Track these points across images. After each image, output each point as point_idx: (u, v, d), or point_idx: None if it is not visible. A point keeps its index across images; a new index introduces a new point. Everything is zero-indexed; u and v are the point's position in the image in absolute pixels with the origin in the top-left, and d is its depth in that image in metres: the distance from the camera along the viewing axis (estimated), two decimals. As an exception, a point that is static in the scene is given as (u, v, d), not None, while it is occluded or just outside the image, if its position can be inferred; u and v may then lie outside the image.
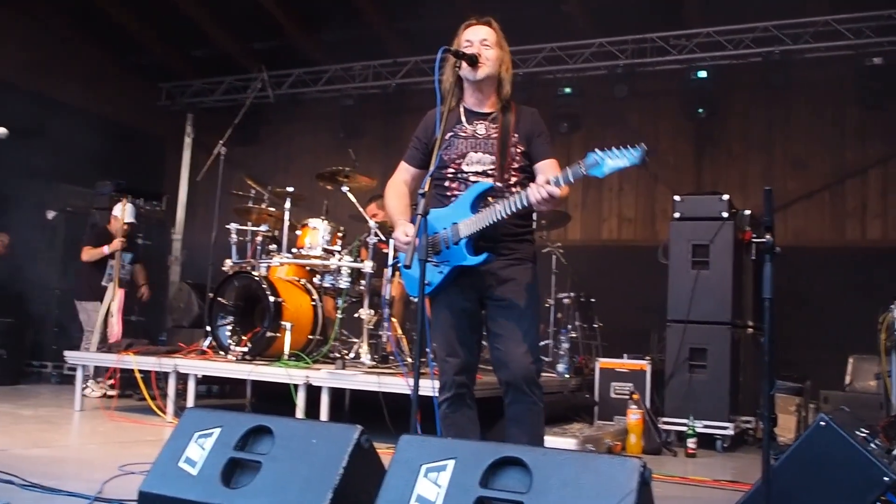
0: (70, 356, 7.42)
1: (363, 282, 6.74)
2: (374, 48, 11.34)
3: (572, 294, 8.51)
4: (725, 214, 6.74)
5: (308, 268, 7.11)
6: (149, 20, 11.75)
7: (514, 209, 3.46)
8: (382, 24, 11.16)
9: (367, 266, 6.60)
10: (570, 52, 10.22)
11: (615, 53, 9.97)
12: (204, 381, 7.67)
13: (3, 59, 10.55)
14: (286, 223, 7.21)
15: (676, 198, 7.05)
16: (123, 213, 8.12)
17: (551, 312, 8.28)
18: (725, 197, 6.82)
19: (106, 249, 8.15)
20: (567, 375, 7.47)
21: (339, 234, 7.07)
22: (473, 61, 3.68)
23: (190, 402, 6.54)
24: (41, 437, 5.59)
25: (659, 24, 9.77)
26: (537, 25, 10.11)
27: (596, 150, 3.27)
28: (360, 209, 7.11)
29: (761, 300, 3.19)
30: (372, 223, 6.75)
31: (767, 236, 3.31)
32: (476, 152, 3.70)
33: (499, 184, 3.62)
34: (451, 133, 3.75)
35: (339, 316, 6.78)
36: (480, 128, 3.73)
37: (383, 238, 6.74)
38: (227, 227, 7.42)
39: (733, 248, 6.70)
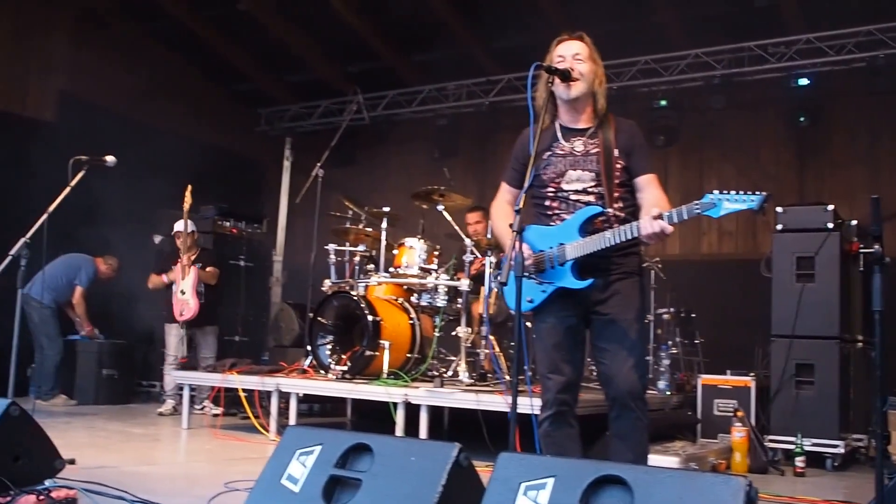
0: (177, 376, 7.65)
1: (460, 300, 6.76)
2: (467, 67, 11.41)
3: (672, 309, 8.35)
4: (831, 225, 6.52)
5: (405, 287, 7.16)
6: (247, 48, 12.09)
7: (623, 239, 3.45)
8: (475, 44, 11.21)
9: (464, 284, 6.61)
10: (665, 64, 10.08)
11: (711, 64, 9.78)
12: (305, 399, 7.80)
13: (110, 90, 10.98)
14: (383, 243, 7.29)
15: (779, 209, 6.86)
16: (185, 224, 8.43)
17: (651, 328, 8.14)
18: (830, 207, 6.60)
19: (164, 279, 8.48)
20: (668, 392, 7.34)
21: (436, 253, 7.12)
22: (566, 76, 3.68)
23: (292, 420, 6.65)
24: (151, 455, 5.78)
25: (756, 32, 9.54)
26: (630, 38, 10.00)
27: (714, 191, 3.26)
28: (456, 227, 7.13)
29: (871, 313, 3.09)
30: (468, 241, 6.76)
31: (876, 246, 3.21)
32: (575, 170, 3.67)
33: (609, 209, 3.59)
34: (549, 152, 3.73)
35: (437, 334, 6.82)
36: (578, 144, 3.71)
37: (479, 255, 6.76)
38: (326, 247, 7.55)
39: (840, 260, 6.48)
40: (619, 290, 3.62)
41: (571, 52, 3.70)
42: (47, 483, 3.80)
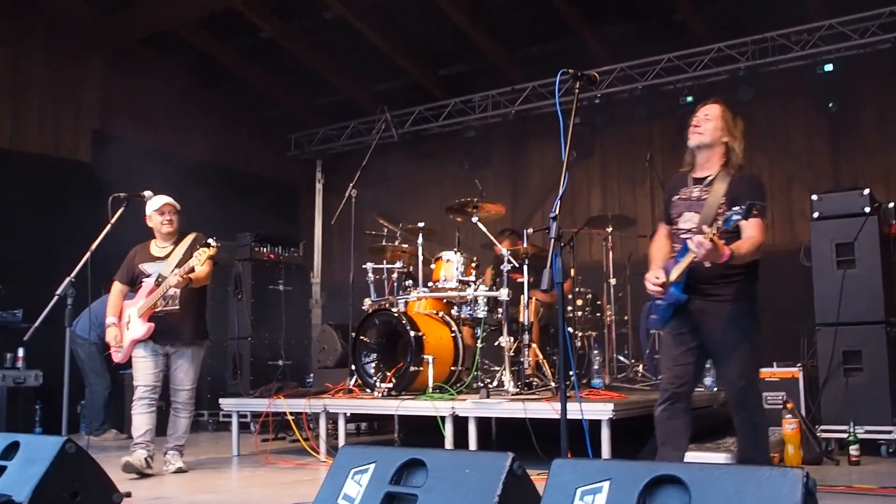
0: (225, 403, 7.72)
1: (500, 310, 6.76)
2: (492, 78, 11.45)
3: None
4: (868, 209, 6.46)
5: (445, 300, 7.18)
6: (274, 75, 12.24)
7: (689, 261, 4.01)
8: (498, 54, 11.26)
9: (503, 294, 6.62)
10: (689, 60, 10.04)
11: (735, 56, 9.73)
12: (352, 418, 7.83)
13: (142, 126, 11.17)
14: (420, 258, 7.31)
15: (814, 197, 6.81)
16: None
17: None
18: (867, 191, 6.53)
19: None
20: (716, 388, 7.28)
21: (473, 265, 7.13)
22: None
23: (341, 440, 6.69)
24: (205, 483, 5.83)
25: (778, 22, 9.49)
26: (652, 37, 10.01)
27: (734, 208, 3.80)
28: (492, 238, 7.15)
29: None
30: (504, 250, 6.77)
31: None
32: (689, 212, 4.26)
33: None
34: (677, 196, 4.38)
35: (480, 345, 6.82)
36: (696, 191, 4.29)
37: (517, 265, 6.77)
38: (364, 266, 7.56)
39: (880, 244, 6.42)
40: (723, 313, 4.14)
41: (704, 113, 4.32)
42: (106, 517, 3.85)
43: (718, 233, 3.84)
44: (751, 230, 4.04)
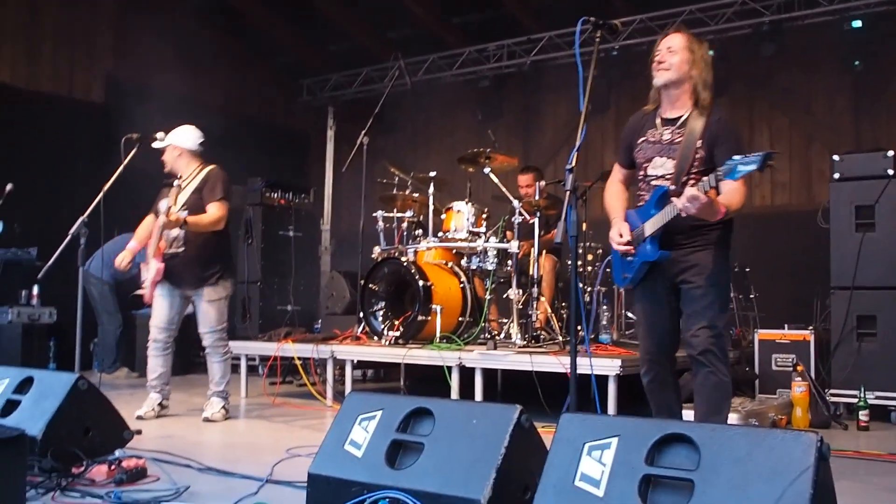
0: (234, 346, 7.71)
1: (510, 262, 6.72)
2: (508, 27, 11.27)
3: (725, 264, 8.24)
4: (891, 171, 6.33)
5: (454, 250, 7.14)
6: (287, 20, 12.08)
7: (674, 213, 3.63)
8: (514, 3, 11.06)
9: (514, 246, 6.58)
10: (711, 13, 9.82)
11: (760, 10, 9.50)
12: (358, 365, 7.84)
13: (155, 69, 11.02)
14: (431, 208, 7.25)
15: (835, 157, 6.68)
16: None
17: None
18: (890, 153, 6.39)
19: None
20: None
21: (484, 216, 7.07)
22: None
23: (348, 386, 6.71)
24: (213, 424, 5.84)
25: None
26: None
27: (734, 157, 3.37)
28: (504, 190, 7.07)
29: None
30: (515, 203, 6.72)
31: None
32: (661, 157, 3.85)
33: (672, 186, 3.74)
34: (643, 138, 3.94)
35: (488, 297, 6.80)
36: (667, 133, 3.86)
37: (527, 215, 6.72)
38: (374, 215, 7.53)
39: (901, 208, 6.32)
40: (696, 261, 3.78)
41: (666, 46, 3.86)
42: (117, 453, 3.90)
43: (713, 183, 3.51)
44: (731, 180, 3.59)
